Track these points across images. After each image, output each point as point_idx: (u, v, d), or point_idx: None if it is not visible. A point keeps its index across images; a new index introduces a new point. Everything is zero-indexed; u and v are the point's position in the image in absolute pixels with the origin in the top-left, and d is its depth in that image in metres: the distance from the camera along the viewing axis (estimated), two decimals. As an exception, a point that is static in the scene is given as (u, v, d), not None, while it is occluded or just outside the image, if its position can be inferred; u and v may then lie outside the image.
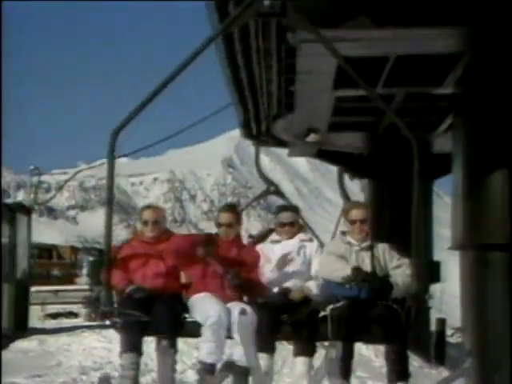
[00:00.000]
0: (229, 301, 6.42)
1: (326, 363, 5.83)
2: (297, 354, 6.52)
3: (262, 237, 7.22)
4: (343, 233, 6.86)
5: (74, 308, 27.17)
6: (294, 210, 7.20)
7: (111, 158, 6.01)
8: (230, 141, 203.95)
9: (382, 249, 6.68)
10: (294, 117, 12.70)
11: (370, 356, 12.84)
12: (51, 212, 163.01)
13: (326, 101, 11.34)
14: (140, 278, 6.63)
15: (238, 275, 6.42)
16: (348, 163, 16.64)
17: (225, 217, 6.77)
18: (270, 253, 6.82)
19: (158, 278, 6.64)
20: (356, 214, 6.72)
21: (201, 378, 6.15)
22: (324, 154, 16.23)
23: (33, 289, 21.64)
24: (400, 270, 6.53)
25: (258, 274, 6.69)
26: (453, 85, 10.18)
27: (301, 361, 6.48)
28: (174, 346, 6.32)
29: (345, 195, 17.68)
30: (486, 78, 9.66)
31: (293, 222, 6.96)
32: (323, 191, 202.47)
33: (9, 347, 15.91)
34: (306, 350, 6.48)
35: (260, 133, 15.68)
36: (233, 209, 7.02)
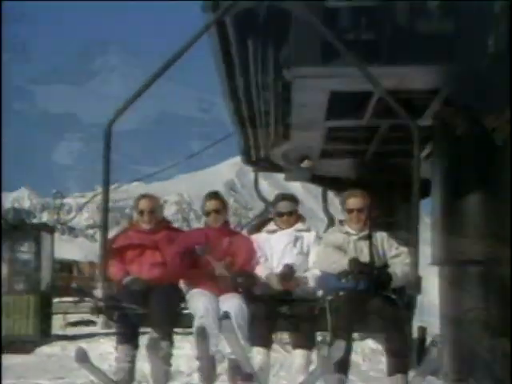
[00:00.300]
0: (222, 294, 5.91)
1: (318, 361, 5.34)
2: (295, 346, 5.99)
3: (258, 226, 6.55)
4: (341, 222, 6.26)
5: (93, 317, 27.05)
6: (293, 199, 6.44)
7: (107, 149, 5.71)
8: (232, 166, 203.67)
9: (381, 238, 6.10)
10: (289, 145, 12.72)
11: (358, 361, 12.79)
12: (72, 231, 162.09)
13: (318, 131, 11.36)
14: (136, 269, 6.14)
15: (228, 267, 5.92)
16: (338, 186, 16.62)
17: (212, 204, 6.27)
18: (266, 245, 6.23)
19: (155, 268, 6.14)
20: (353, 202, 6.14)
21: (201, 374, 5.67)
22: (317, 178, 16.22)
23: (55, 300, 21.69)
24: (399, 259, 5.98)
25: (253, 266, 6.10)
26: (431, 117, 10.21)
27: (299, 353, 5.94)
28: (170, 337, 5.81)
29: (327, 212, 17.65)
30: (459, 111, 9.70)
31: (291, 211, 6.30)
32: (316, 212, 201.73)
33: (34, 352, 15.98)
34: (305, 342, 5.93)
35: (259, 159, 15.70)
36: (218, 195, 6.45)
